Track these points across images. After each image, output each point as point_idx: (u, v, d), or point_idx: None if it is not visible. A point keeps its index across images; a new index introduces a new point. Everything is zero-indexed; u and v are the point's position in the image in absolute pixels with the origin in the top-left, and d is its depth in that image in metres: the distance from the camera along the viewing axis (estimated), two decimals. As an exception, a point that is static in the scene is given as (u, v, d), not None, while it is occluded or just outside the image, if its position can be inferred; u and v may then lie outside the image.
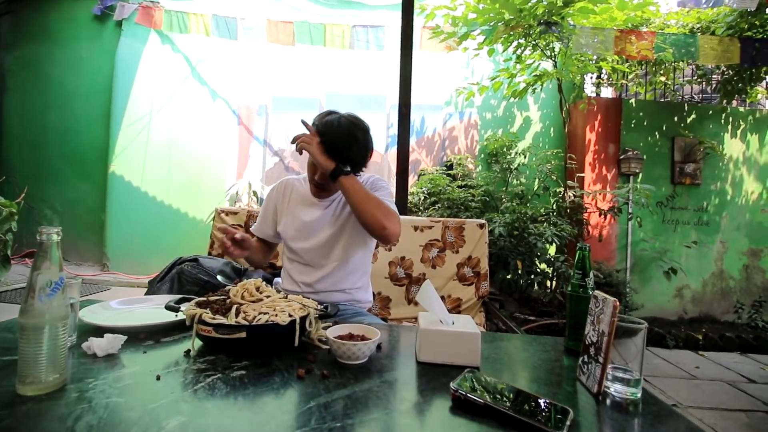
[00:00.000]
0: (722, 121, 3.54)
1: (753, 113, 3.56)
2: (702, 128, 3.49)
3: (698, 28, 3.41)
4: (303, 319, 0.78)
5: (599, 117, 3.52)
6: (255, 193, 3.76)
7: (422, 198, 3.35)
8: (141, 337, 0.82)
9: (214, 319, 0.74)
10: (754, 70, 3.30)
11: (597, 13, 2.85)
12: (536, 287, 2.94)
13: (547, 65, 3.17)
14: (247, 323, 0.73)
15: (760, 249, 3.50)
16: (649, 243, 3.41)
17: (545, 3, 2.66)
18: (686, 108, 3.54)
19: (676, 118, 3.51)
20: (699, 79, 3.73)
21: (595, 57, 3.25)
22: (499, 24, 2.86)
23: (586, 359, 0.70)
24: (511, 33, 2.89)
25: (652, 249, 3.40)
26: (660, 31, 3.29)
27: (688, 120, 3.52)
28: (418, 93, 2.77)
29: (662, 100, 3.78)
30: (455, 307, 1.71)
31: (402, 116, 2.15)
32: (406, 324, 1.57)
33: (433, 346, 0.75)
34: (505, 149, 3.64)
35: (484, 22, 2.87)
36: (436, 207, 3.20)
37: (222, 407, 0.57)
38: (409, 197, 3.18)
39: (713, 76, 3.70)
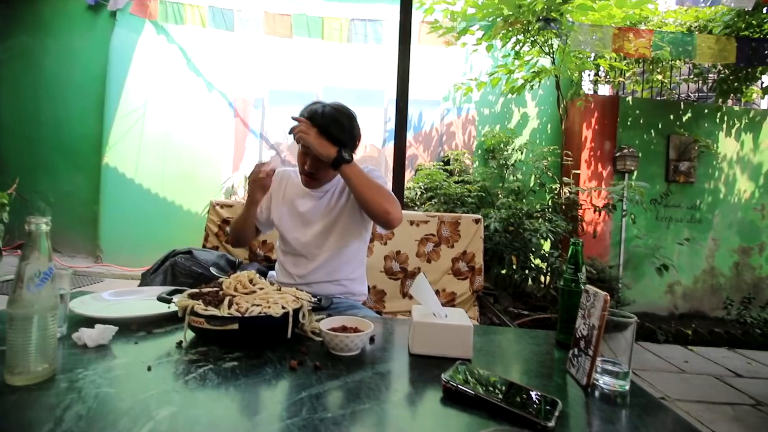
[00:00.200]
0: (717, 120, 3.56)
1: (747, 113, 3.58)
2: (697, 127, 3.51)
3: (696, 27, 3.42)
4: (296, 311, 0.78)
5: (596, 114, 3.53)
6: (250, 186, 3.74)
7: (419, 193, 3.35)
8: (132, 328, 0.81)
9: (206, 310, 0.73)
10: (749, 70, 3.32)
11: (595, 11, 2.84)
12: (530, 282, 2.96)
13: (546, 62, 3.16)
14: (239, 315, 0.73)
15: (750, 247, 3.54)
16: (643, 240, 3.44)
17: (544, -1, 2.66)
18: (682, 106, 3.56)
19: (671, 117, 3.53)
20: (695, 78, 3.74)
21: (593, 54, 3.25)
22: (498, 20, 2.86)
23: (576, 352, 0.70)
24: (510, 29, 2.89)
25: (645, 246, 3.43)
26: (658, 29, 3.29)
27: (684, 118, 3.54)
28: (416, 88, 2.76)
29: (658, 98, 3.79)
30: (450, 302, 1.71)
31: (399, 111, 2.14)
32: (401, 317, 1.57)
33: (425, 338, 0.76)
34: (502, 145, 3.65)
35: (483, 17, 2.86)
36: (433, 202, 3.20)
37: (213, 397, 0.57)
38: (406, 192, 3.17)
39: (709, 75, 3.71)
